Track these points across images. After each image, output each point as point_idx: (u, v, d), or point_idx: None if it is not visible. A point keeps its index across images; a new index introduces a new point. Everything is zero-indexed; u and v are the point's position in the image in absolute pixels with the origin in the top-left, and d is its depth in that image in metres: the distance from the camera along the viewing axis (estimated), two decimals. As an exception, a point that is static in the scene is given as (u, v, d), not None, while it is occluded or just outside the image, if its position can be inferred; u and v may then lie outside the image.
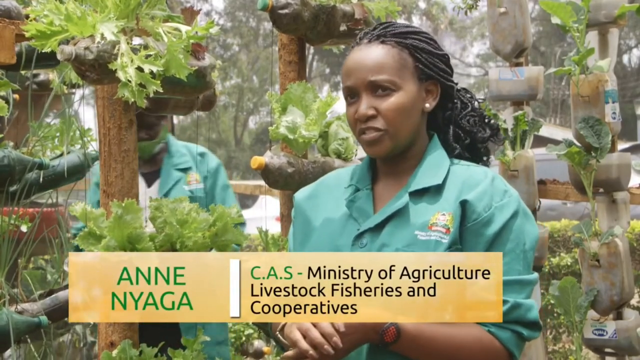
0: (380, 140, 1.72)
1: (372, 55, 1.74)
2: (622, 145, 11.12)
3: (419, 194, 1.74)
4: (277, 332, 1.76)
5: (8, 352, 2.60)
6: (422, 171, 1.76)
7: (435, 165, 1.77)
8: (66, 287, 2.74)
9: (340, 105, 2.22)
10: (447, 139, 1.82)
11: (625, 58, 25.80)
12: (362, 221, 1.75)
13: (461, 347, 1.64)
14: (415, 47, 1.76)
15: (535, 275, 1.72)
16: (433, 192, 1.74)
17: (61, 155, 2.84)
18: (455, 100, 1.83)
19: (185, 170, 3.08)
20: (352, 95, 1.75)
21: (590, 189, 3.38)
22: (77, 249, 2.04)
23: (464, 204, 1.68)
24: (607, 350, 3.51)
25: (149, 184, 3.07)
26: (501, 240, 1.67)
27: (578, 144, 3.40)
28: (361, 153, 2.61)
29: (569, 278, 3.47)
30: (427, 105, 1.78)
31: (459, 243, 1.67)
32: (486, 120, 1.84)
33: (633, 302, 5.34)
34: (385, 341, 1.60)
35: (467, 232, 1.68)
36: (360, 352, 1.67)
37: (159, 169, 3.08)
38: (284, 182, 2.36)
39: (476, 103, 1.86)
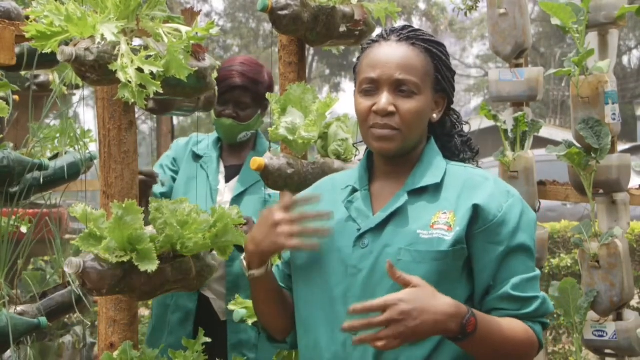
0: (392, 138, 1.73)
1: (403, 54, 1.75)
2: (622, 146, 11.13)
3: (417, 193, 1.75)
4: None
5: (8, 353, 2.60)
6: (420, 171, 1.78)
7: (433, 165, 1.79)
8: (60, 287, 2.74)
9: (339, 106, 2.22)
10: (450, 147, 1.86)
11: (625, 59, 25.81)
12: (361, 221, 1.76)
13: (517, 340, 1.67)
14: (439, 58, 1.80)
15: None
16: (432, 191, 1.75)
17: (57, 156, 2.83)
18: (447, 118, 1.88)
19: None
20: (371, 87, 1.75)
21: (590, 190, 3.38)
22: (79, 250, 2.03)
23: (476, 208, 1.70)
24: (607, 351, 3.51)
25: (228, 179, 2.95)
26: (517, 238, 1.70)
27: (578, 145, 3.40)
28: (361, 154, 2.61)
29: (569, 279, 3.47)
30: (435, 116, 1.81)
31: (464, 243, 1.69)
32: (469, 143, 1.90)
33: (633, 303, 5.35)
34: (467, 331, 1.57)
35: (481, 234, 1.70)
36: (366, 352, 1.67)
37: (241, 165, 2.95)
38: (283, 183, 2.36)
39: (466, 127, 1.92)
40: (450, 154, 1.86)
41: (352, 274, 1.71)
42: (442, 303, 1.55)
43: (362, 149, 1.99)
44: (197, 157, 2.97)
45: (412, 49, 1.77)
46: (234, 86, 2.83)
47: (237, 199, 2.86)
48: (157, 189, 2.77)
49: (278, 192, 2.82)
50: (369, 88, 1.75)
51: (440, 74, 1.79)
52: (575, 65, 3.36)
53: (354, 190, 1.82)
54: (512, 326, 1.67)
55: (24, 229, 2.73)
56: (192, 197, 2.72)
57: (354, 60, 1.92)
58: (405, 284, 1.56)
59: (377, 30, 2.30)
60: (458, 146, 1.87)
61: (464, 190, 1.73)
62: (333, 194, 1.86)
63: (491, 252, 1.69)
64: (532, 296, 1.70)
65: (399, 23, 2.04)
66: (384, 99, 1.72)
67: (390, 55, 1.75)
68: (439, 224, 1.69)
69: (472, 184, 1.74)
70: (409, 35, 1.79)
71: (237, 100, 2.86)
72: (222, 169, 2.97)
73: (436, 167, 1.78)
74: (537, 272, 1.73)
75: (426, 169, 1.78)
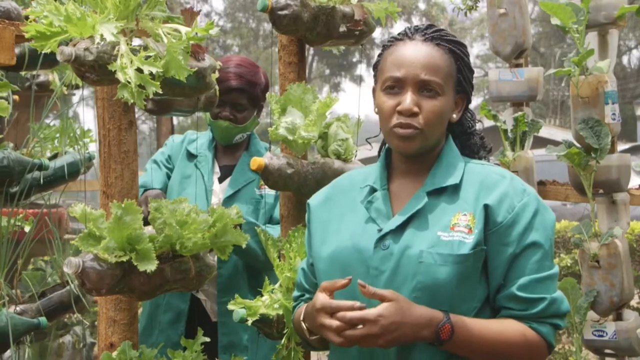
0: (414, 138, 1.74)
1: (428, 54, 1.76)
2: (621, 146, 11.14)
3: (436, 194, 1.76)
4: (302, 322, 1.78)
5: (8, 353, 2.60)
6: (439, 171, 1.79)
7: (452, 165, 1.79)
8: (59, 287, 2.74)
9: (339, 106, 2.22)
10: (470, 145, 1.88)
11: (625, 59, 25.84)
12: (380, 222, 1.76)
13: (508, 343, 1.67)
14: (461, 59, 1.81)
15: (557, 266, 1.76)
16: (450, 191, 1.76)
17: (56, 155, 2.83)
18: (465, 117, 1.89)
19: None
20: (396, 86, 1.75)
21: (590, 190, 3.38)
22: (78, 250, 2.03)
23: (486, 209, 1.70)
24: (607, 351, 3.51)
25: (222, 179, 2.95)
26: (529, 238, 1.70)
27: (578, 145, 3.40)
28: (361, 154, 2.61)
29: (569, 279, 3.47)
30: (454, 116, 1.83)
31: (483, 244, 1.69)
32: (483, 141, 1.91)
33: (633, 303, 5.35)
34: (441, 339, 1.61)
35: (493, 235, 1.70)
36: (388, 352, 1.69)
37: (235, 165, 2.96)
38: (283, 183, 2.36)
39: (479, 125, 1.92)
40: (470, 152, 1.88)
41: (374, 275, 1.72)
42: (416, 314, 1.61)
43: (376, 145, 1.99)
44: (191, 156, 2.97)
45: (437, 49, 1.78)
46: (230, 88, 2.82)
47: (229, 199, 2.86)
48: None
49: (272, 192, 2.84)
50: (393, 86, 1.76)
51: (462, 74, 1.81)
52: (575, 65, 3.35)
53: (373, 190, 1.83)
54: (504, 329, 1.67)
55: (27, 229, 2.73)
56: (187, 196, 2.72)
57: (354, 60, 1.93)
58: (382, 299, 1.61)
59: (377, 30, 2.29)
60: (477, 144, 1.89)
61: (481, 190, 1.74)
62: (352, 193, 1.87)
63: (502, 253, 1.70)
64: (539, 297, 1.69)
65: (399, 23, 2.05)
66: (409, 100, 1.73)
67: (416, 55, 1.76)
68: (459, 225, 1.70)
69: (488, 183, 1.75)
70: (434, 36, 1.80)
71: (234, 102, 2.86)
72: (217, 169, 2.97)
73: (455, 167, 1.79)
74: (552, 271, 1.72)
75: (445, 168, 1.79)
